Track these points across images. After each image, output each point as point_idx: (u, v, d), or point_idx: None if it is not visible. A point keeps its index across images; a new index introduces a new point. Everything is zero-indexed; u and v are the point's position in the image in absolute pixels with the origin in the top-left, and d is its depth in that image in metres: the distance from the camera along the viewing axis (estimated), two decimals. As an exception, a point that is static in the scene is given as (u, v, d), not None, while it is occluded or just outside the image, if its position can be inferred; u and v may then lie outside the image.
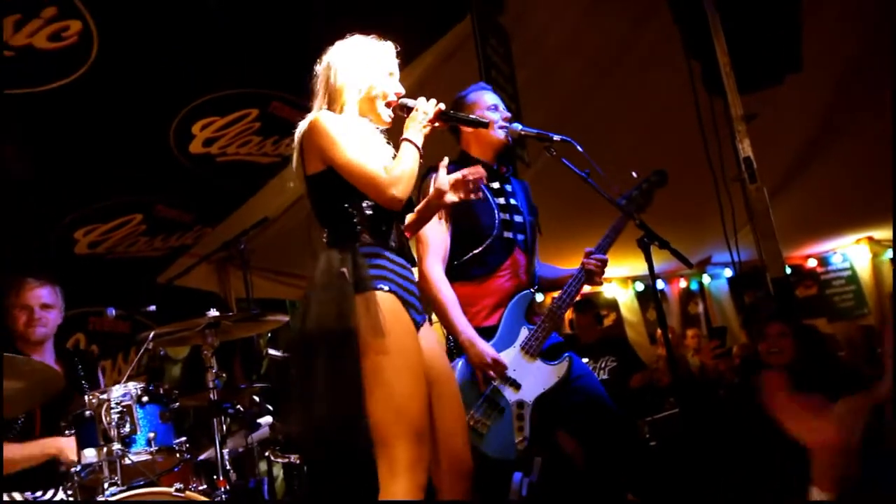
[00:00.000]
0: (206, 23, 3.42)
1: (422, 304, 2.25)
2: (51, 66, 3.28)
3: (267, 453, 3.59)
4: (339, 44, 2.33)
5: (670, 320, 8.05)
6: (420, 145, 2.19)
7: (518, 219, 2.88)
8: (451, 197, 2.31)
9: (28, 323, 3.19)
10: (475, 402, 2.65)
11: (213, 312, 2.88)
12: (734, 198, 3.83)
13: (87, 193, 4.17)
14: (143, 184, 4.29)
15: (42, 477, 2.93)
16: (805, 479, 1.75)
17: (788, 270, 6.59)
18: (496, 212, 2.82)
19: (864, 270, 8.52)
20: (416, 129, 2.21)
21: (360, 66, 2.27)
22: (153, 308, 3.60)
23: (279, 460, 3.60)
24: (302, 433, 2.09)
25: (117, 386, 2.63)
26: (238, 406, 3.39)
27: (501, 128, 2.84)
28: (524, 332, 2.77)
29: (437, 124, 2.27)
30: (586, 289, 3.32)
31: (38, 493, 2.91)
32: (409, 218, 2.37)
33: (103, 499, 2.35)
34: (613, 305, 8.41)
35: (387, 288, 2.09)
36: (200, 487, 2.70)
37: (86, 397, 2.59)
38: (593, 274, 2.83)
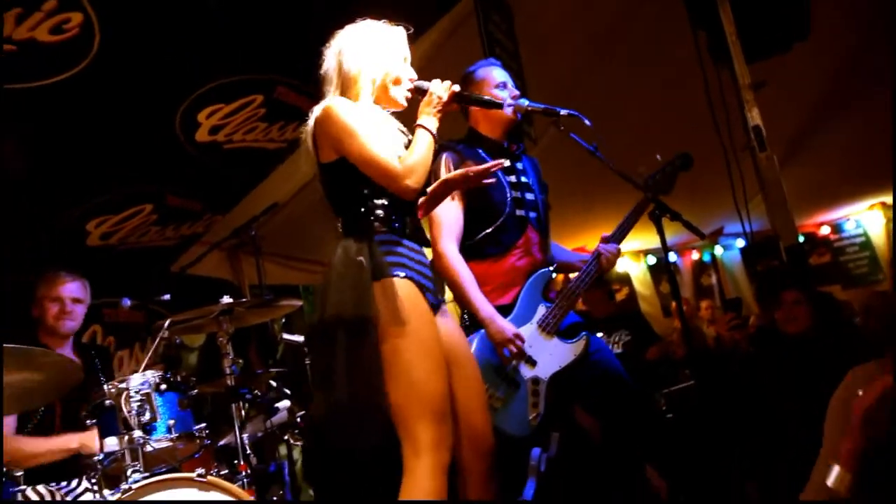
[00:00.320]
0: (207, 9, 3.40)
1: (437, 286, 2.27)
2: (54, 59, 3.27)
3: (286, 437, 3.63)
4: (350, 28, 2.30)
5: (683, 292, 8.03)
6: (434, 130, 2.20)
7: (530, 196, 2.87)
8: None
9: (59, 315, 3.25)
10: (490, 378, 2.65)
11: (227, 299, 2.90)
12: (744, 167, 3.81)
13: (96, 185, 4.18)
14: (151, 174, 4.29)
15: (66, 468, 2.97)
16: (818, 450, 1.75)
17: (801, 239, 6.55)
18: (507, 190, 2.81)
19: (877, 236, 8.46)
20: (431, 113, 2.21)
21: (375, 52, 2.25)
22: (167, 297, 3.63)
23: (298, 443, 3.64)
24: (324, 419, 2.12)
25: (136, 375, 2.65)
26: (255, 391, 3.42)
27: (510, 105, 2.82)
28: (541, 310, 2.78)
29: (451, 106, 2.26)
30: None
31: (63, 484, 2.95)
32: (421, 199, 2.36)
33: (126, 486, 2.37)
34: (626, 280, 8.39)
35: (403, 274, 2.11)
36: (222, 472, 2.73)
37: (105, 387, 2.61)
38: (603, 265, 2.84)
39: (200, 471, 2.46)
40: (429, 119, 2.20)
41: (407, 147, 2.20)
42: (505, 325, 2.66)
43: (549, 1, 4.51)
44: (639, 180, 2.80)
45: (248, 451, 2.85)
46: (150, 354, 2.81)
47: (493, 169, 2.26)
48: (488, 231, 2.79)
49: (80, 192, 4.20)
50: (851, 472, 1.59)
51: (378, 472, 2.97)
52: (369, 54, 2.25)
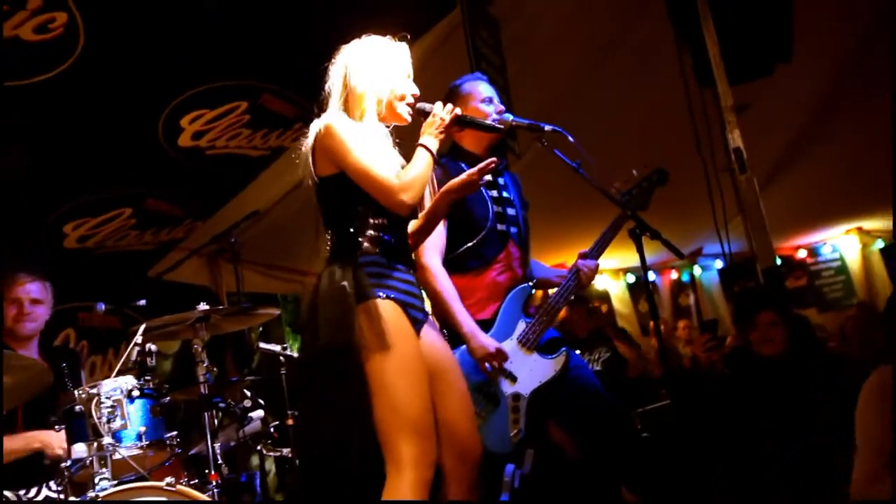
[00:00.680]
0: (194, 13, 3.39)
1: (422, 301, 2.30)
2: (37, 58, 3.25)
3: (259, 447, 3.58)
4: (354, 44, 2.33)
5: (662, 312, 8.07)
6: (435, 151, 2.25)
7: (511, 211, 2.88)
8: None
9: (17, 317, 3.20)
10: (471, 394, 2.64)
11: (203, 306, 2.87)
12: (724, 189, 3.84)
13: (75, 187, 4.14)
14: (132, 177, 4.26)
15: (28, 473, 2.91)
16: (796, 468, 1.74)
17: (779, 261, 6.61)
18: (489, 204, 2.82)
19: (853, 261, 8.55)
20: (433, 134, 2.26)
21: (381, 70, 2.29)
22: (143, 302, 3.59)
23: (271, 454, 3.60)
24: (311, 442, 2.18)
25: (107, 380, 2.61)
26: (229, 400, 3.38)
27: (495, 121, 2.83)
28: (521, 326, 2.77)
29: (452, 129, 2.31)
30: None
31: (23, 492, 2.89)
32: (413, 224, 2.38)
33: (93, 494, 2.33)
34: (605, 297, 8.42)
35: (384, 295, 2.15)
36: (192, 482, 2.69)
37: (76, 392, 2.57)
38: (582, 280, 2.84)
39: (170, 480, 2.42)
40: (430, 140, 2.26)
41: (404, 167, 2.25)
42: (487, 341, 2.66)
43: (536, 18, 4.54)
44: (615, 196, 2.82)
45: (220, 461, 2.80)
46: (122, 360, 2.76)
47: (489, 167, 2.30)
48: (470, 244, 2.79)
49: (59, 193, 4.15)
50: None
51: (362, 489, 2.95)
52: (376, 72, 2.28)
